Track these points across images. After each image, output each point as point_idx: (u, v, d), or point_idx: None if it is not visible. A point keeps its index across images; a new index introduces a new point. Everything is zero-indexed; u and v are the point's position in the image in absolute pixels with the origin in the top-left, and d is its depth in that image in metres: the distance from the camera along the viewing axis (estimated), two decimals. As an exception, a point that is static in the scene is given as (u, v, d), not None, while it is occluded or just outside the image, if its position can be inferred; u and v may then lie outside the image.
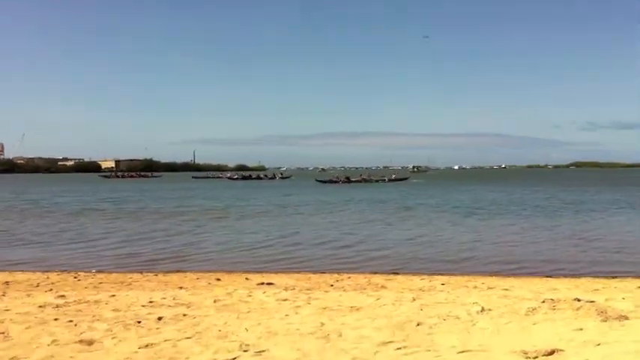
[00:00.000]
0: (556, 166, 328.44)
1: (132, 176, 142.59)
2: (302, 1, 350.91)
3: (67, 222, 28.20)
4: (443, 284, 11.67)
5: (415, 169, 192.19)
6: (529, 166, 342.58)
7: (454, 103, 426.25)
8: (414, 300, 9.24)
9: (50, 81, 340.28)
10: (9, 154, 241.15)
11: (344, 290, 10.68)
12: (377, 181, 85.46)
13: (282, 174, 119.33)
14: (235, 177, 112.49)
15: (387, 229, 24.30)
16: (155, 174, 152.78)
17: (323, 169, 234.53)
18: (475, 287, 11.21)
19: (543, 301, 8.70)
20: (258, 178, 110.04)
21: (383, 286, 11.32)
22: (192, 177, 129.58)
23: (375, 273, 13.93)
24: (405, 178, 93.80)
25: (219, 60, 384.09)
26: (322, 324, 7.48)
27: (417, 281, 12.29)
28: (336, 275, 13.40)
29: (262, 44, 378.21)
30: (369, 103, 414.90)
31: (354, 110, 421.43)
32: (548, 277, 13.33)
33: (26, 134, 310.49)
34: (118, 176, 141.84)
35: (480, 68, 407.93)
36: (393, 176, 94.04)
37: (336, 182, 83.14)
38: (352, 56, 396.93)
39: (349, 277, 13.00)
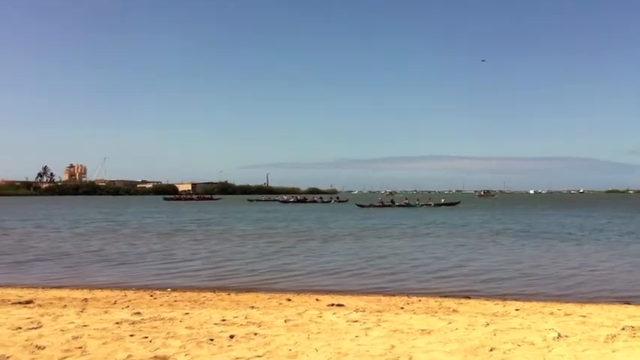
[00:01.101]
0: (637, 191, 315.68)
1: (191, 199, 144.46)
2: (362, 27, 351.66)
3: (158, 242, 28.86)
4: (517, 309, 11.36)
5: (483, 193, 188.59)
6: (609, 191, 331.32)
7: (530, 126, 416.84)
8: (488, 325, 9.04)
9: (129, 108, 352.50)
10: (91, 176, 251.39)
11: (414, 313, 10.55)
12: (422, 205, 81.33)
13: (337, 198, 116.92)
14: (291, 200, 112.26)
15: (461, 253, 23.87)
16: (215, 197, 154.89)
17: (391, 193, 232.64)
18: (551, 313, 10.88)
19: (623, 329, 8.37)
20: (313, 201, 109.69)
21: (455, 310, 11.13)
22: (248, 200, 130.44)
23: (446, 296, 13.71)
24: (456, 203, 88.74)
25: (291, 86, 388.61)
26: (392, 346, 7.42)
27: (490, 306, 12.02)
28: (405, 298, 13.26)
29: (331, 69, 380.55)
30: (442, 126, 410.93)
31: (427, 134, 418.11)
32: (627, 303, 12.81)
33: (108, 158, 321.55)
34: (179, 199, 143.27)
35: (556, 91, 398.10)
36: (442, 200, 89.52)
37: (378, 206, 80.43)
38: (424, 79, 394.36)
39: (419, 300, 12.84)
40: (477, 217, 55.30)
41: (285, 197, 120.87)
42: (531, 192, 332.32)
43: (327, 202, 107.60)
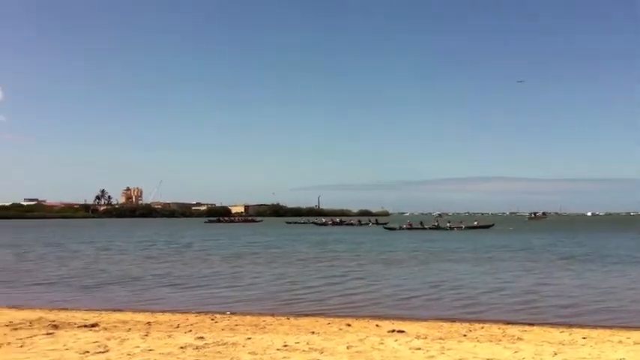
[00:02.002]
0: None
1: (232, 221, 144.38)
2: (421, 50, 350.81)
3: (223, 265, 29.18)
4: (584, 338, 11.04)
5: (534, 216, 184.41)
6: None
7: (586, 147, 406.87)
8: (555, 354, 8.82)
9: (185, 132, 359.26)
10: (147, 199, 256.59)
11: (478, 341, 10.35)
12: (452, 228, 77.61)
13: (376, 220, 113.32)
14: (329, 222, 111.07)
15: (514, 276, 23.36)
16: (257, 219, 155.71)
17: (440, 215, 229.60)
18: (620, 342, 10.54)
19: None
20: (350, 224, 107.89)
21: (519, 338, 10.86)
22: (286, 222, 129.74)
23: (509, 323, 13.42)
24: (489, 226, 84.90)
25: (343, 108, 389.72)
26: (459, 376, 7.29)
27: (555, 334, 11.70)
28: (467, 325, 13.02)
29: (383, 91, 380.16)
30: (497, 147, 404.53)
31: (481, 155, 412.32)
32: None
33: (163, 181, 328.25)
34: (220, 221, 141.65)
35: (613, 110, 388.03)
36: (475, 223, 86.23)
37: (407, 229, 78.16)
38: (475, 101, 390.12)
39: (482, 327, 12.59)
40: (506, 240, 53.41)
41: (323, 220, 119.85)
42: (589, 214, 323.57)
43: (365, 224, 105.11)
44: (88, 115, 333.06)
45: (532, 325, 13.23)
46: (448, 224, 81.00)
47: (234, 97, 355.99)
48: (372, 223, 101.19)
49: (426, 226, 79.35)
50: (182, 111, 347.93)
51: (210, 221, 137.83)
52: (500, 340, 10.50)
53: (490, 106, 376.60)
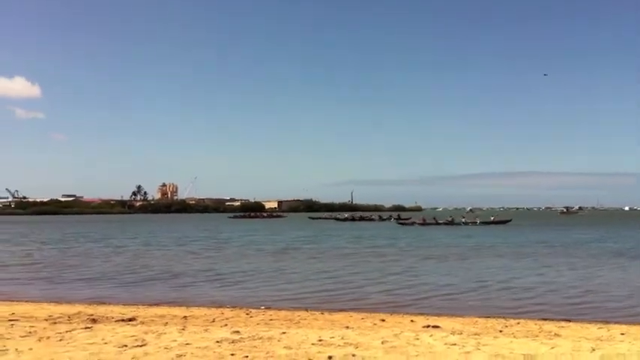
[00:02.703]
0: None
1: (256, 216, 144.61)
2: (455, 46, 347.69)
3: (268, 260, 29.54)
4: (622, 334, 10.86)
5: (566, 210, 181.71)
6: None
7: (624, 141, 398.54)
8: (594, 350, 8.70)
9: (219, 128, 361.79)
10: (182, 194, 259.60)
11: (514, 337, 10.26)
12: (467, 223, 76.78)
13: (399, 215, 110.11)
14: (349, 218, 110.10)
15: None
16: (283, 214, 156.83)
17: (471, 210, 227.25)
18: (660, 338, 10.35)
19: None
20: (370, 219, 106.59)
21: (556, 334, 10.73)
22: (309, 217, 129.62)
23: (545, 319, 13.28)
24: (507, 221, 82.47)
25: (380, 105, 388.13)
26: (495, 371, 7.24)
27: (593, 330, 11.54)
28: (503, 320, 12.91)
29: (416, 86, 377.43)
30: (529, 141, 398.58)
31: (514, 149, 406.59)
32: None
33: (198, 177, 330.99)
34: (245, 217, 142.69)
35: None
36: (492, 218, 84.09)
37: (420, 224, 77.56)
38: (508, 95, 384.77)
39: (518, 323, 12.47)
40: (525, 236, 52.69)
41: (346, 215, 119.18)
42: (626, 209, 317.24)
43: (387, 219, 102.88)
44: (124, 112, 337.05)
45: (569, 321, 13.06)
46: (463, 219, 79.78)
47: (267, 93, 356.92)
48: (394, 219, 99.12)
49: (439, 222, 78.12)
50: (217, 108, 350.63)
51: (235, 217, 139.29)
52: (536, 336, 10.38)
53: (523, 101, 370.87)
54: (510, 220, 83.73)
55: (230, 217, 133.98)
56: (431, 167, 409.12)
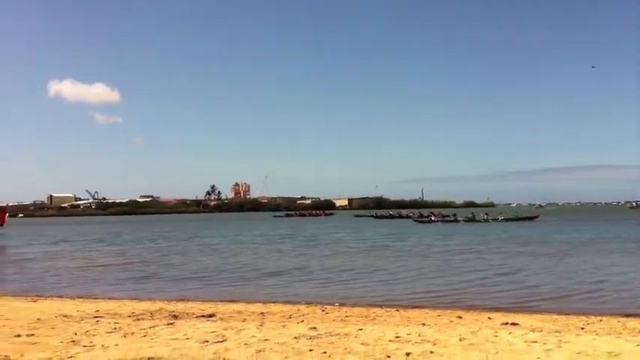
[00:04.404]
0: None
1: (303, 215, 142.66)
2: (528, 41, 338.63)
3: (359, 257, 29.73)
4: None
5: (635, 205, 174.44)
6: None
7: None
8: (682, 348, 8.35)
9: (290, 127, 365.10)
10: (254, 193, 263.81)
11: (597, 334, 9.97)
12: (488, 220, 73.25)
13: (439, 212, 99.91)
14: (386, 215, 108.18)
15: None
16: (327, 212, 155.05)
17: (540, 206, 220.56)
18: None
19: None
20: (408, 216, 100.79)
21: (641, 332, 10.38)
22: (354, 215, 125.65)
23: (628, 316, 12.85)
24: (533, 217, 78.38)
25: (451, 98, 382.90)
26: (579, 369, 7.07)
27: (680, 327, 11.09)
28: (584, 318, 12.56)
29: (490, 79, 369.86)
30: (610, 134, 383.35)
31: (590, 142, 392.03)
32: None
33: (269, 175, 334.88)
34: (289, 215, 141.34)
35: None
36: (516, 214, 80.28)
37: (437, 222, 75.78)
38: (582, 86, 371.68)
39: (600, 320, 12.10)
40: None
41: (390, 212, 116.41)
42: None
43: (427, 216, 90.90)
44: (199, 113, 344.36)
45: (653, 317, 12.60)
46: (485, 216, 75.72)
47: (341, 90, 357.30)
48: (435, 216, 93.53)
49: (459, 219, 75.43)
50: (286, 107, 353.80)
51: (277, 216, 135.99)
52: (620, 334, 10.07)
53: (596, 92, 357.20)
54: (537, 217, 79.52)
55: (274, 217, 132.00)
56: (504, 162, 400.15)
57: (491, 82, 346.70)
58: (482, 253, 30.12)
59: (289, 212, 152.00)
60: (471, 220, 74.66)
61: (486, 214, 78.57)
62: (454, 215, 79.45)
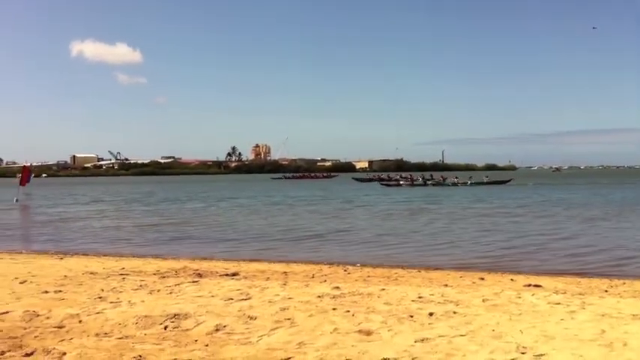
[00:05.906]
0: None
1: (303, 177, 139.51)
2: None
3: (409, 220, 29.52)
4: None
5: None
6: None
7: None
8: None
9: (310, 92, 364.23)
10: (275, 155, 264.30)
11: (621, 297, 9.93)
12: (458, 184, 72.13)
13: (431, 175, 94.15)
14: (364, 179, 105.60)
15: None
16: (332, 174, 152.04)
17: (557, 169, 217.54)
18: None
19: None
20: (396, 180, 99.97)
21: (666, 295, 10.32)
22: (352, 178, 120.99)
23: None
24: (506, 181, 76.68)
25: (468, 60, 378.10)
26: (603, 331, 7.06)
27: None
28: (607, 280, 12.50)
29: (517, 37, 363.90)
30: (633, 96, 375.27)
31: (615, 104, 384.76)
32: None
33: (289, 137, 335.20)
34: (287, 177, 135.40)
35: None
36: (485, 179, 77.62)
37: (408, 185, 74.85)
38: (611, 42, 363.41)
39: (624, 283, 12.03)
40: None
41: (371, 176, 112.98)
42: None
43: (416, 179, 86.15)
44: (220, 76, 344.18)
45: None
46: (455, 179, 74.67)
47: (358, 54, 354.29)
48: (427, 179, 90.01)
49: (427, 182, 75.30)
50: (309, 68, 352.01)
51: (275, 179, 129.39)
52: (644, 297, 10.03)
53: (625, 48, 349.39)
54: (510, 181, 77.79)
55: (274, 179, 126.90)
56: (526, 125, 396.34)
57: (514, 46, 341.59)
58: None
59: (286, 175, 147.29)
60: (440, 184, 74.13)
61: (456, 177, 78.04)
62: (423, 178, 78.88)
